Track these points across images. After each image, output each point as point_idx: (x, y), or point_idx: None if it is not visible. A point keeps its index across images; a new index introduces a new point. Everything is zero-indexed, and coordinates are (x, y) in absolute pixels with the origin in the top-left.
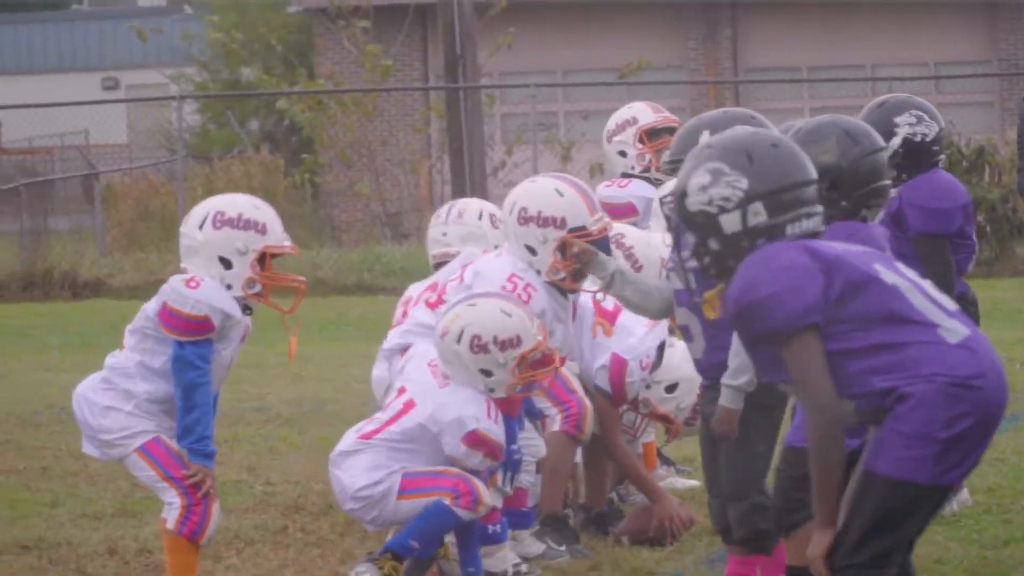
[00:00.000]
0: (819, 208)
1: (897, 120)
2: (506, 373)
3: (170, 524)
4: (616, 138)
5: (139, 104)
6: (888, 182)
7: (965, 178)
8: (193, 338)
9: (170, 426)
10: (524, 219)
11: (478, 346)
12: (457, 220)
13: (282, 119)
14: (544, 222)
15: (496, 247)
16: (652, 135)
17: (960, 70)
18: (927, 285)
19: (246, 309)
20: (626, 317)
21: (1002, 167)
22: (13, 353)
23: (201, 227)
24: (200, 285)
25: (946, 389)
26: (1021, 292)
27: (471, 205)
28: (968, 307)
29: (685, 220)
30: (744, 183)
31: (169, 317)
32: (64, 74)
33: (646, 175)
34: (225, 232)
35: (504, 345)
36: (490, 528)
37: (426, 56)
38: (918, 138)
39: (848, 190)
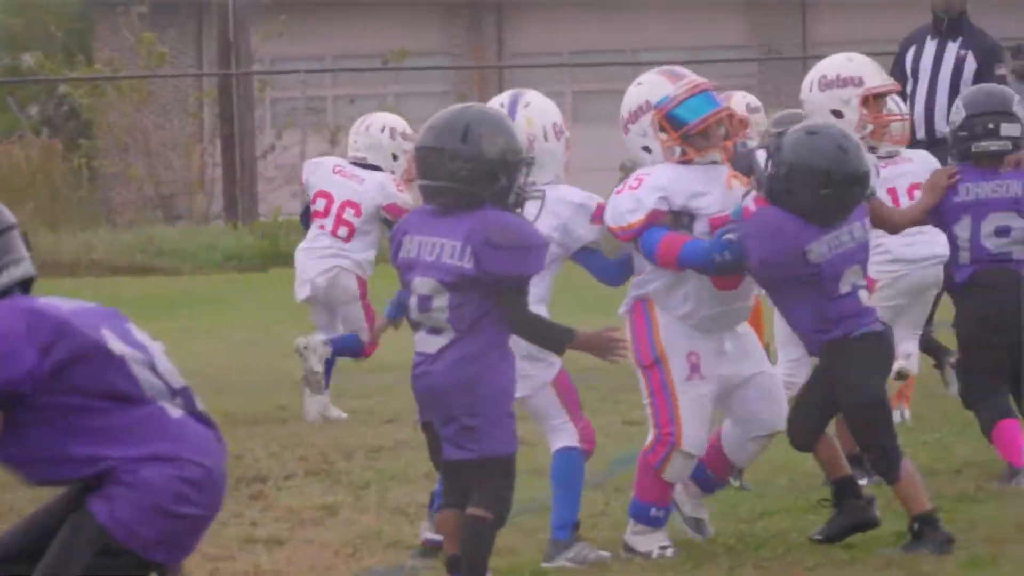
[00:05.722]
0: (22, 254)
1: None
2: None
3: None
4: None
5: None
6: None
7: None
8: None
9: None
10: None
11: None
12: (365, 132)
13: (61, 104)
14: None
15: (394, 156)
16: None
17: (720, 55)
18: (159, 353)
19: None
20: None
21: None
22: None
23: None
24: None
25: (166, 470)
26: None
27: (376, 120)
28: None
29: None
30: None
31: None
32: None
33: None
34: None
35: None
36: (652, 511)
37: (200, 43)
38: None
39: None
